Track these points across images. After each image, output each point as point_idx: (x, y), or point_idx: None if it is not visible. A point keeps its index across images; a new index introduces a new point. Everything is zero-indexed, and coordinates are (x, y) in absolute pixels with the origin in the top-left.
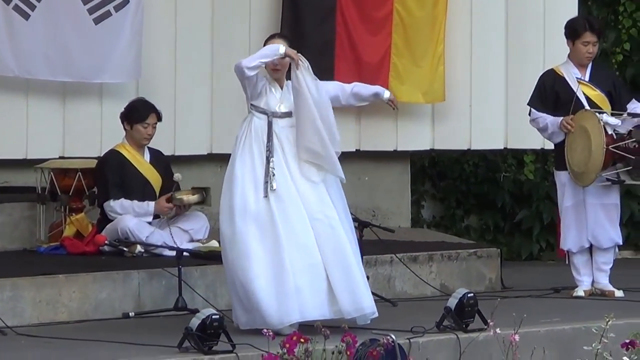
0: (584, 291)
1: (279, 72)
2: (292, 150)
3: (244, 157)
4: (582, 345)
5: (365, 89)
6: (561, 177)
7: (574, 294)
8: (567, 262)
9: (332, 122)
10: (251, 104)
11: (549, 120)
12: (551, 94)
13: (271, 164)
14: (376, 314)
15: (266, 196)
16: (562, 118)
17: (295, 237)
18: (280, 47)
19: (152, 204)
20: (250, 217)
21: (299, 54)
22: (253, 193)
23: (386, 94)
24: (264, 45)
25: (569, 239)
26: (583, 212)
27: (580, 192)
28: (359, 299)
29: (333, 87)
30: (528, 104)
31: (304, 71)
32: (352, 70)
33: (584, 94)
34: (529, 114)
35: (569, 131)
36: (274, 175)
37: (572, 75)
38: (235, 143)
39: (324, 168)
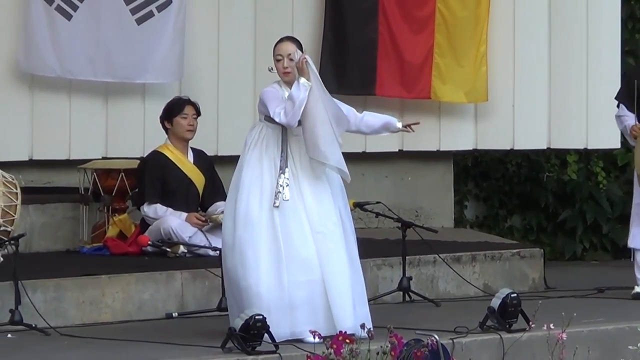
0: None
1: (289, 74)
2: (302, 160)
3: (252, 165)
4: (626, 345)
5: (375, 117)
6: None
7: (634, 292)
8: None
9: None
10: (265, 115)
11: (626, 123)
12: (634, 91)
13: (286, 174)
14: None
15: (277, 206)
16: (632, 124)
17: (296, 251)
18: (304, 84)
19: (184, 214)
20: (251, 227)
21: (302, 56)
22: (258, 202)
23: (398, 124)
24: (274, 49)
25: (637, 237)
26: None
27: None
28: (346, 318)
29: (346, 108)
30: (615, 98)
31: (314, 74)
32: (394, 70)
33: None
34: (617, 107)
35: (636, 138)
36: (287, 185)
37: None
38: (243, 149)
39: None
